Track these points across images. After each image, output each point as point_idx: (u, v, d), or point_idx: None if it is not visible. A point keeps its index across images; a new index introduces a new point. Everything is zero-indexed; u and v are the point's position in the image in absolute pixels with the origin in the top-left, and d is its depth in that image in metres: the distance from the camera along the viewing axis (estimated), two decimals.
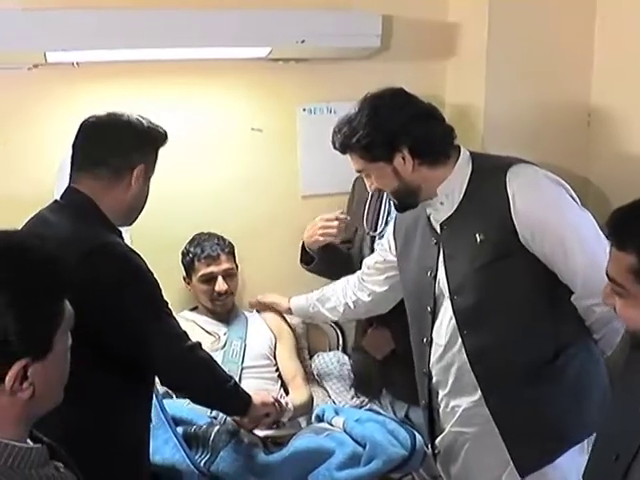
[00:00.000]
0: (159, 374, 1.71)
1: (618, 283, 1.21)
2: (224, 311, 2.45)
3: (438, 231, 1.81)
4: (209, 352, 1.92)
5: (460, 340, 1.79)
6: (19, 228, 1.48)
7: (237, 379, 2.22)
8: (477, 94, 2.48)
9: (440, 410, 1.93)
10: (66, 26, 2.03)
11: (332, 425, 2.16)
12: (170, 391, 2.08)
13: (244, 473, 1.92)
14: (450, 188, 1.76)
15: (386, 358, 2.32)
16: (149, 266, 1.64)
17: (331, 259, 2.36)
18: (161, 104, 2.33)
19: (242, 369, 2.30)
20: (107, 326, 1.53)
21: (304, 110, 2.58)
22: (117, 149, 1.65)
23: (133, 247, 1.67)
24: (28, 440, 1.02)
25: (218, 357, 2.24)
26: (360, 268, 2.19)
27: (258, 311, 2.54)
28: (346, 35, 2.35)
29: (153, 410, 1.79)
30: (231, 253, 2.45)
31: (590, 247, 1.68)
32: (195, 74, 2.41)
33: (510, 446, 1.78)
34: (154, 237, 2.28)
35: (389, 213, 2.23)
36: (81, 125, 1.69)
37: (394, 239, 2.01)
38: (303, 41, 2.26)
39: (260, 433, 2.07)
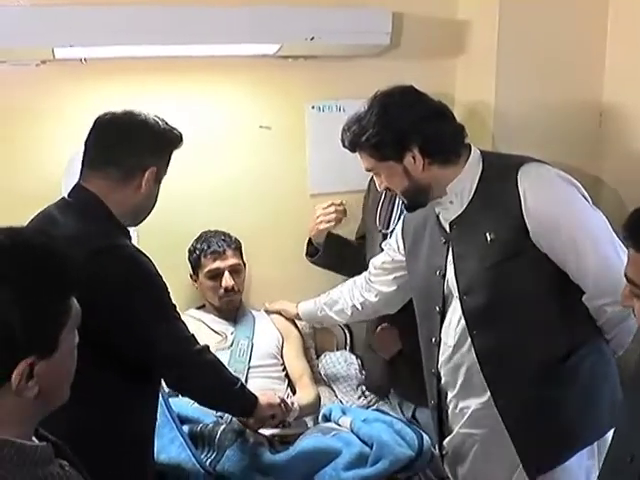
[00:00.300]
0: (165, 377, 1.71)
1: (637, 285, 1.21)
2: (231, 309, 2.45)
3: (447, 230, 1.80)
4: (216, 351, 1.92)
5: (469, 340, 1.78)
6: (25, 225, 1.48)
7: (244, 378, 2.22)
8: (487, 92, 2.46)
9: (449, 411, 1.92)
10: (74, 22, 2.02)
11: (339, 425, 2.15)
12: None
13: (250, 472, 1.91)
14: (460, 187, 1.75)
15: (393, 358, 2.32)
16: (157, 266, 1.63)
17: (337, 251, 2.35)
18: (169, 101, 2.32)
19: (249, 368, 2.29)
20: (114, 327, 1.52)
21: (313, 108, 2.56)
22: (131, 149, 1.62)
23: (140, 246, 1.66)
24: (34, 438, 1.01)
25: (225, 356, 2.24)
26: None
27: (266, 310, 2.53)
28: (356, 32, 2.33)
29: (159, 409, 1.78)
30: (237, 249, 2.45)
31: (602, 247, 1.67)
32: (203, 71, 2.40)
33: (519, 448, 1.77)
34: (161, 235, 2.28)
35: (402, 211, 2.21)
36: (95, 121, 1.66)
37: (402, 238, 2.00)
38: (312, 38, 2.25)
39: (266, 432, 2.06)
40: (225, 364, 1.86)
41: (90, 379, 1.26)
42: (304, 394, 2.30)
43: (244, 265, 2.47)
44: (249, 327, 2.42)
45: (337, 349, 2.64)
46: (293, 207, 2.60)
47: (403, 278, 2.04)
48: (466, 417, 1.86)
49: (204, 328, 2.37)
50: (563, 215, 1.67)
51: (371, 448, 1.98)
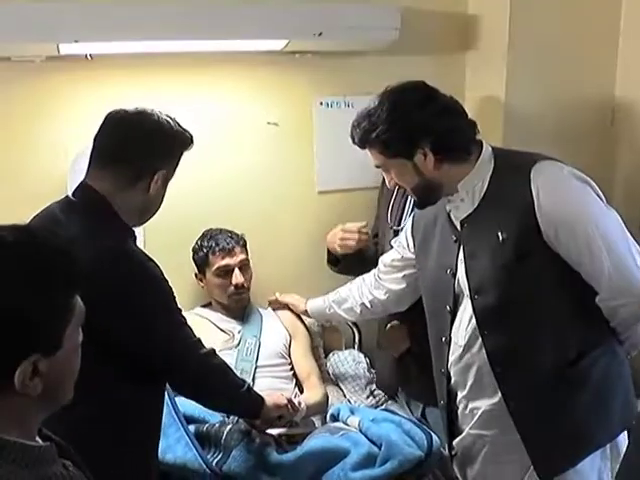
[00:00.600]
0: (171, 381, 1.70)
1: None
2: (240, 307, 2.43)
3: (458, 228, 1.78)
4: (223, 350, 1.91)
5: (480, 340, 1.77)
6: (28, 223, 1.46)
7: (251, 378, 2.21)
8: (498, 88, 2.45)
9: (459, 411, 1.91)
10: (79, 17, 2.01)
11: (347, 425, 2.13)
12: None
13: (257, 473, 1.90)
14: (471, 184, 1.73)
15: (402, 356, 2.30)
16: (163, 263, 1.61)
17: (357, 261, 2.33)
18: (175, 98, 2.31)
19: (256, 368, 2.28)
20: (119, 331, 1.51)
21: (321, 104, 2.55)
22: (143, 149, 1.59)
23: (146, 244, 1.65)
24: (37, 438, 1.00)
25: (232, 356, 2.23)
26: None
27: (273, 309, 2.52)
28: (364, 28, 2.31)
29: (165, 408, 1.77)
30: (244, 246, 2.43)
31: (616, 247, 1.65)
32: (210, 67, 2.38)
33: (530, 449, 1.75)
34: (167, 233, 2.27)
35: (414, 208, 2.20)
36: (107, 118, 1.63)
37: (412, 236, 1.98)
38: (320, 34, 2.23)
39: (273, 432, 2.05)
40: (232, 363, 1.86)
41: (95, 379, 1.27)
42: (312, 394, 2.29)
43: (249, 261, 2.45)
44: (256, 326, 2.41)
45: (345, 348, 2.62)
46: (301, 204, 2.60)
47: (413, 276, 2.02)
48: (476, 418, 1.84)
49: (211, 327, 2.35)
50: (577, 215, 1.65)
51: (380, 448, 1.96)
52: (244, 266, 2.39)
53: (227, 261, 2.36)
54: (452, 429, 1.94)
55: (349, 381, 2.47)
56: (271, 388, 2.13)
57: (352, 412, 2.18)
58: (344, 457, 1.94)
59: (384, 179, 2.26)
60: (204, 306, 2.49)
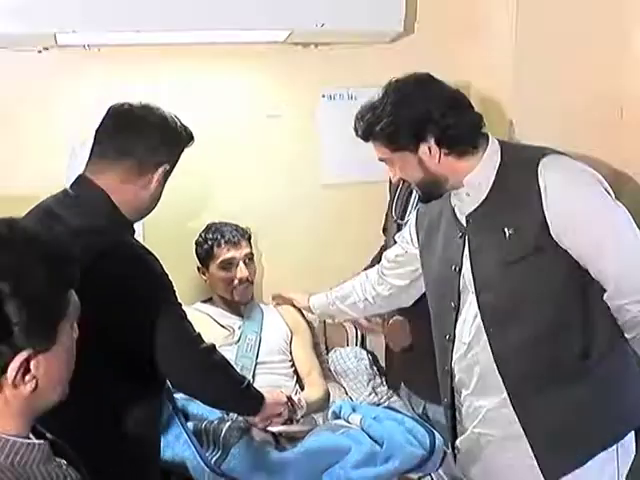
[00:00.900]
0: (170, 377, 1.68)
1: None
2: (243, 301, 2.42)
3: (464, 223, 1.76)
4: (222, 346, 1.90)
5: (485, 338, 1.74)
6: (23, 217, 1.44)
7: (251, 374, 2.21)
8: (505, 80, 2.42)
9: (462, 410, 1.88)
10: (77, 6, 2.00)
11: (349, 422, 2.13)
12: None
13: (256, 471, 1.90)
14: (477, 179, 1.70)
15: (405, 351, 2.28)
16: (163, 257, 1.60)
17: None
18: (175, 89, 2.32)
19: (256, 364, 2.28)
20: (117, 327, 1.49)
21: (324, 96, 2.54)
22: (149, 143, 1.59)
23: (146, 237, 1.63)
24: (31, 436, 0.99)
25: (232, 352, 2.22)
26: None
27: (276, 304, 2.51)
28: (368, 18, 2.30)
29: (164, 406, 1.78)
30: (249, 240, 2.43)
31: (625, 244, 1.62)
32: (210, 59, 2.37)
33: (536, 449, 1.72)
34: (168, 226, 2.27)
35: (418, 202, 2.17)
36: (110, 111, 1.63)
37: (416, 231, 1.96)
38: (323, 24, 2.22)
39: (273, 429, 2.05)
40: (232, 360, 1.86)
41: (92, 376, 1.26)
42: (313, 391, 2.29)
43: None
44: (257, 321, 2.40)
45: (348, 344, 2.61)
46: (304, 198, 2.58)
47: (417, 272, 1.99)
48: (480, 416, 1.81)
49: (211, 322, 2.34)
50: (585, 211, 1.63)
51: (381, 446, 1.96)
52: (249, 260, 2.39)
53: (232, 253, 2.35)
54: (455, 427, 1.91)
55: (351, 378, 2.46)
56: (271, 385, 2.14)
57: (354, 409, 2.18)
58: (345, 455, 1.94)
59: None
60: (204, 301, 2.48)
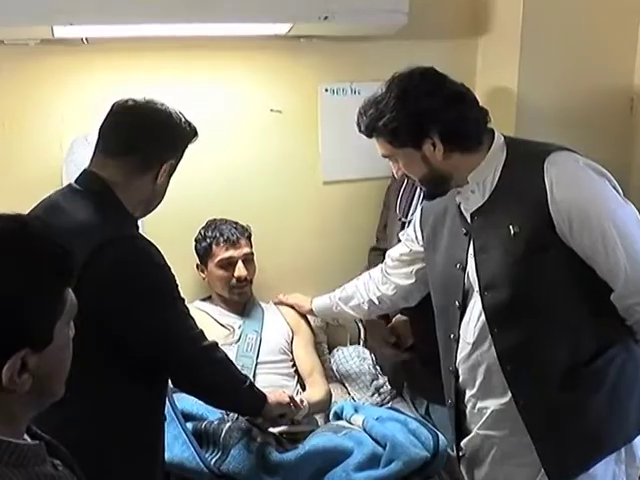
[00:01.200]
0: (172, 374, 1.67)
1: None
2: (242, 300, 2.40)
3: (469, 221, 1.73)
4: (222, 345, 1.87)
5: (490, 338, 1.72)
6: (25, 211, 1.42)
7: (252, 374, 2.19)
8: (510, 75, 2.39)
9: (467, 411, 1.87)
10: None
11: (351, 423, 2.11)
12: None
13: (256, 472, 1.88)
14: (482, 176, 1.68)
15: (407, 351, 2.25)
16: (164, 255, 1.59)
17: None
18: (175, 83, 2.29)
19: (257, 364, 2.26)
20: (120, 321, 1.48)
21: (326, 91, 2.51)
22: (155, 140, 1.60)
23: (146, 235, 1.62)
24: (26, 436, 0.98)
25: (232, 351, 2.20)
26: None
27: (276, 302, 2.49)
28: (371, 11, 2.26)
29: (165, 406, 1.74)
30: (249, 238, 2.41)
31: (633, 242, 1.59)
32: (210, 52, 2.34)
33: (542, 452, 1.70)
34: (168, 223, 2.24)
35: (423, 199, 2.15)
36: (115, 107, 1.63)
37: (420, 229, 1.94)
38: (326, 17, 2.18)
39: (275, 430, 2.03)
40: (232, 359, 1.83)
41: (95, 378, 1.32)
42: (314, 391, 2.27)
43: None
44: (257, 321, 2.38)
45: (350, 344, 2.60)
46: (306, 195, 2.56)
47: (422, 270, 1.98)
48: (485, 418, 1.80)
49: (210, 321, 2.32)
50: (592, 209, 1.59)
51: (384, 448, 1.95)
52: (248, 259, 2.37)
53: (231, 253, 2.33)
54: (460, 429, 1.90)
55: (353, 378, 2.45)
56: (272, 385, 2.12)
57: (356, 410, 2.16)
58: (347, 457, 1.93)
59: None
60: (204, 300, 2.46)
